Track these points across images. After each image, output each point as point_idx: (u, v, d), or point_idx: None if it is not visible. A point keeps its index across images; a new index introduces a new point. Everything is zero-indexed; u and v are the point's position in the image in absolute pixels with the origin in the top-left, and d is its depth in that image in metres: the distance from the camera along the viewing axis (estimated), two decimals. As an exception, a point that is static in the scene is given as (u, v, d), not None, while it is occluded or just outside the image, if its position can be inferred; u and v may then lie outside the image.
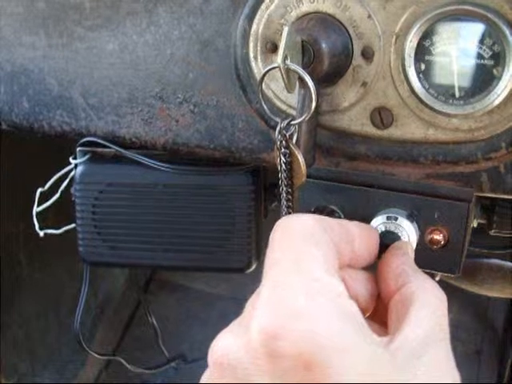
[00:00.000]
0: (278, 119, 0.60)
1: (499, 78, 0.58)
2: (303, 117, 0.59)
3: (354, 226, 0.52)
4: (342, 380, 0.38)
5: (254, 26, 0.66)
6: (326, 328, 0.40)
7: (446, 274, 0.71)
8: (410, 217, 0.66)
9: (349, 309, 0.43)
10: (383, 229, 0.64)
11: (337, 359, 0.39)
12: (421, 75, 0.61)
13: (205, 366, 0.45)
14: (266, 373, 0.40)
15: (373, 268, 0.55)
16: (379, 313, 0.52)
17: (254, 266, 0.86)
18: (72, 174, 0.87)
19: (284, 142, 0.60)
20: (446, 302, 0.48)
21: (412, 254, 0.57)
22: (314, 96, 0.57)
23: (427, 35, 0.59)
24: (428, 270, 0.68)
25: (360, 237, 0.52)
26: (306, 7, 0.63)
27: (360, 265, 0.53)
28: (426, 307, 0.46)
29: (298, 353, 0.39)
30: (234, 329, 0.44)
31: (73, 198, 0.87)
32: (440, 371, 0.42)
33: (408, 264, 0.53)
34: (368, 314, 0.53)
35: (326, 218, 0.50)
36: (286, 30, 0.55)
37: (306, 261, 0.44)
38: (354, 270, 0.52)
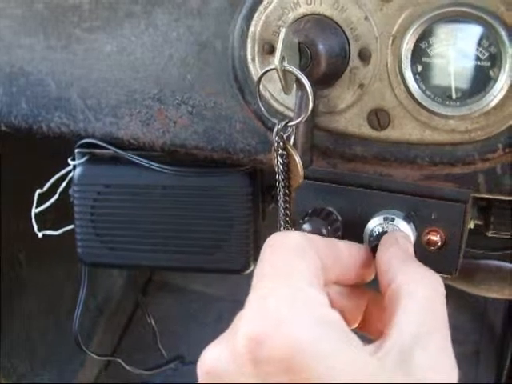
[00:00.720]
0: (275, 120, 0.60)
1: (495, 80, 0.59)
2: (300, 118, 0.59)
3: (342, 244, 0.53)
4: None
5: (252, 28, 0.66)
6: (307, 334, 0.40)
7: (443, 275, 0.71)
8: (407, 218, 0.66)
9: (330, 317, 0.43)
10: (380, 230, 0.65)
11: (317, 364, 0.39)
12: (417, 77, 0.61)
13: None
14: (252, 378, 0.41)
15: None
16: (375, 329, 0.53)
17: (251, 268, 0.87)
18: (70, 175, 0.87)
19: (281, 143, 0.60)
20: (439, 290, 0.47)
21: (402, 241, 0.57)
22: (311, 97, 0.58)
23: (424, 37, 0.60)
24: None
25: (349, 255, 0.53)
26: (303, 9, 0.63)
27: (349, 282, 0.53)
28: (413, 302, 0.46)
29: (280, 358, 0.40)
30: (221, 340, 0.45)
31: (71, 199, 0.87)
32: (434, 366, 0.42)
33: (395, 256, 0.53)
34: (355, 326, 0.53)
35: (314, 236, 0.51)
36: (283, 31, 0.55)
37: (290, 274, 0.45)
38: (340, 286, 0.52)
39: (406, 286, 0.47)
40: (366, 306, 0.54)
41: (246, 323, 0.42)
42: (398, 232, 0.62)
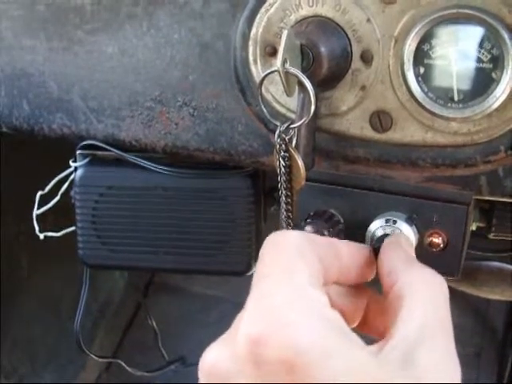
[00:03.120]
0: (277, 122, 0.60)
1: (498, 82, 0.59)
2: (302, 120, 0.59)
3: (342, 244, 0.52)
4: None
5: (254, 30, 0.66)
6: (309, 334, 0.40)
7: (445, 277, 0.71)
8: (409, 220, 0.66)
9: (332, 317, 0.43)
10: (382, 232, 0.64)
11: (319, 364, 0.39)
12: (420, 79, 0.61)
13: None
14: (253, 379, 0.41)
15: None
16: (375, 328, 0.53)
17: (253, 269, 0.86)
18: (72, 176, 0.87)
19: (283, 145, 0.60)
20: (443, 290, 0.47)
21: (406, 244, 0.56)
22: (313, 99, 0.58)
23: (426, 39, 0.60)
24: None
25: (348, 255, 0.52)
26: (305, 11, 0.63)
27: (349, 282, 0.53)
28: (417, 303, 0.46)
29: (281, 358, 0.39)
30: (222, 341, 0.45)
31: (73, 201, 0.87)
32: (438, 367, 0.41)
33: (398, 258, 0.52)
34: (355, 325, 0.53)
35: (314, 235, 0.51)
36: (285, 33, 0.55)
37: (291, 274, 0.45)
38: (340, 287, 0.52)
39: (409, 286, 0.47)
40: (366, 306, 0.54)
41: (247, 324, 0.42)
42: (400, 235, 0.62)
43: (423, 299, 0.46)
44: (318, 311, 0.42)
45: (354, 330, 0.44)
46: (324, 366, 0.39)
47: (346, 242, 0.53)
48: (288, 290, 0.43)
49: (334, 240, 0.53)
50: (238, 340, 0.41)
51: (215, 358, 0.44)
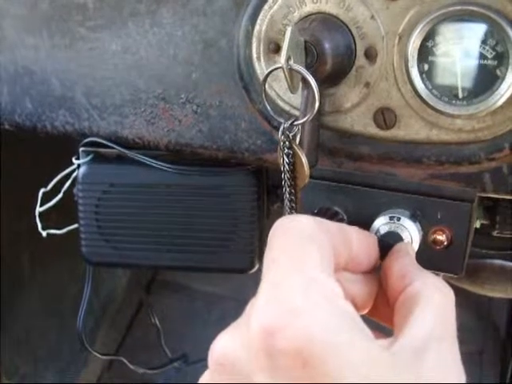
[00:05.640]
0: (281, 119, 0.60)
1: (502, 79, 0.58)
2: (306, 117, 0.59)
3: (352, 230, 0.52)
4: (338, 377, 0.38)
5: (257, 27, 0.66)
6: (324, 325, 0.40)
7: (448, 275, 0.71)
8: (413, 217, 0.66)
9: (346, 308, 0.43)
10: (386, 229, 0.64)
11: (334, 356, 0.38)
12: (424, 76, 0.61)
13: (207, 366, 0.45)
14: (265, 370, 0.40)
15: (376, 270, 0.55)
16: (384, 315, 0.53)
17: (256, 267, 0.86)
18: (75, 174, 0.87)
19: (287, 142, 0.60)
20: (452, 299, 0.48)
21: (413, 255, 0.57)
22: (317, 96, 0.57)
23: (430, 36, 0.59)
24: (431, 271, 0.68)
25: (358, 241, 0.52)
26: (309, 8, 0.63)
27: (358, 269, 0.52)
28: (430, 306, 0.46)
29: (295, 349, 0.39)
30: (233, 329, 0.45)
31: (75, 199, 0.87)
32: (444, 369, 0.42)
33: (411, 264, 0.53)
34: (365, 312, 0.53)
35: (325, 220, 0.50)
36: (289, 30, 0.55)
37: (303, 260, 0.44)
38: (350, 273, 0.52)
39: (424, 290, 0.48)
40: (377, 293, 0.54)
41: (260, 313, 0.41)
42: (408, 244, 0.62)
43: (436, 305, 0.47)
44: (332, 302, 0.42)
45: (363, 317, 0.44)
46: (338, 358, 0.38)
47: (355, 228, 0.53)
48: (300, 278, 0.43)
49: (344, 225, 0.52)
50: (251, 330, 0.41)
51: (226, 346, 0.43)
